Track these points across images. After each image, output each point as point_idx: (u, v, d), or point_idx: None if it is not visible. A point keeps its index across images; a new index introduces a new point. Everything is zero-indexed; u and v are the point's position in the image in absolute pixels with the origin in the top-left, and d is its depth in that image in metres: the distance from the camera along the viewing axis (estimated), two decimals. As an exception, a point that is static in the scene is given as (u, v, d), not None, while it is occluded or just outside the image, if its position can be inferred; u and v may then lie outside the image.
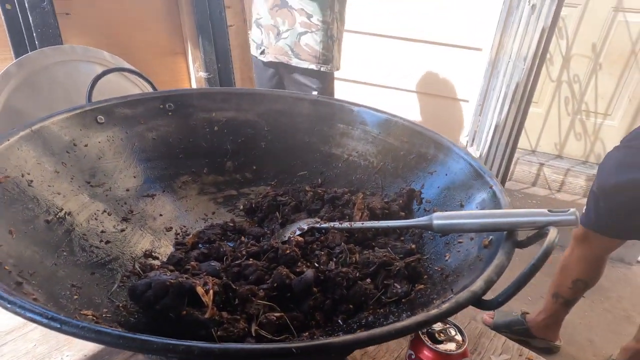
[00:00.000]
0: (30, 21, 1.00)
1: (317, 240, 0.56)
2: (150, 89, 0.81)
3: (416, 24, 2.25)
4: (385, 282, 0.49)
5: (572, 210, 0.41)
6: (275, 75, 1.60)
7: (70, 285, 0.46)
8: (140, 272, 0.55)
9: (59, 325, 0.29)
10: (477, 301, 0.35)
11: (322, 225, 0.58)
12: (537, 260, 0.35)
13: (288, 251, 0.51)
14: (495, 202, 0.50)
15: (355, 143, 0.80)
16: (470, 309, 0.35)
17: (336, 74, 1.68)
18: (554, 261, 1.32)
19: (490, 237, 0.45)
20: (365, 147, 0.78)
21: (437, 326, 0.51)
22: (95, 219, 0.58)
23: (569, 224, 0.41)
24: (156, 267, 0.57)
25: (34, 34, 1.02)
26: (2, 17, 0.96)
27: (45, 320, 0.29)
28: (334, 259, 0.52)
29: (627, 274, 1.92)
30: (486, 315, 1.58)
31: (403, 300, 0.46)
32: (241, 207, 0.73)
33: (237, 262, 0.52)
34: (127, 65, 1.11)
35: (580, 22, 2.15)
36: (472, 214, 0.45)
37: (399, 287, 0.47)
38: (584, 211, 1.28)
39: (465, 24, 2.18)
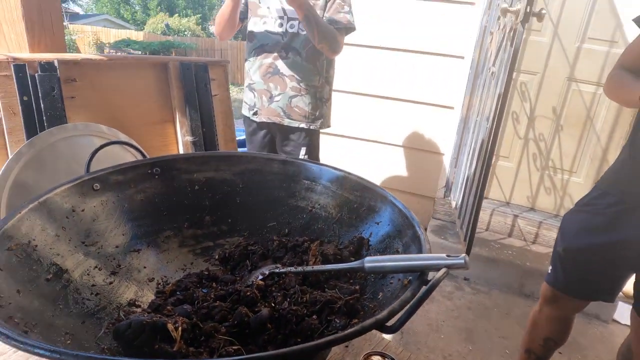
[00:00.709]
0: (42, 107, 1.16)
1: (276, 283, 0.66)
2: (140, 157, 0.92)
3: (396, 85, 2.48)
4: (328, 317, 0.58)
5: (462, 255, 0.52)
6: (267, 134, 1.77)
7: (64, 333, 0.54)
8: (124, 318, 0.64)
9: (58, 356, 0.39)
10: (380, 326, 0.44)
11: (280, 270, 0.68)
12: (423, 293, 0.45)
13: (249, 293, 0.61)
14: (419, 248, 0.60)
15: (318, 197, 0.91)
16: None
17: (327, 129, 1.85)
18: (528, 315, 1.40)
19: (409, 277, 0.55)
20: (326, 200, 0.89)
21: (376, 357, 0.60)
22: (88, 274, 0.67)
23: (459, 267, 0.51)
24: (138, 313, 0.65)
25: (44, 117, 1.17)
26: (20, 107, 1.12)
27: (47, 353, 0.39)
28: (288, 299, 0.61)
29: (603, 333, 1.96)
30: None
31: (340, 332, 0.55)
32: (216, 256, 0.82)
33: (205, 304, 0.61)
34: (121, 136, 1.27)
35: (540, 87, 2.37)
36: (393, 258, 0.56)
37: (338, 321, 0.56)
38: (549, 270, 1.33)
39: (439, 84, 2.41)
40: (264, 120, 1.71)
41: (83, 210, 0.72)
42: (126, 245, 0.76)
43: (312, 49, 1.64)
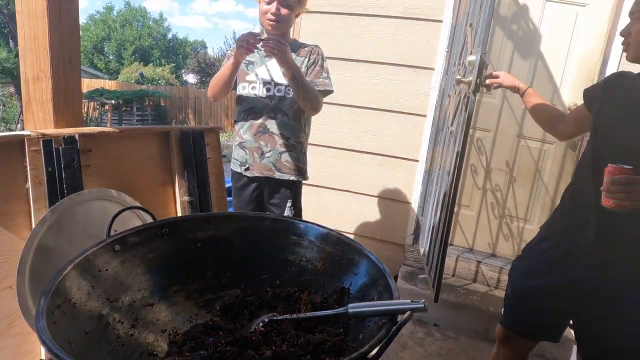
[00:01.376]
0: (63, 176, 1.29)
1: (274, 329, 0.79)
2: (151, 219, 1.05)
3: (366, 139, 2.71)
4: (320, 357, 0.72)
5: (422, 301, 0.67)
6: (257, 189, 1.91)
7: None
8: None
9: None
10: (364, 358, 0.59)
11: (278, 318, 0.81)
12: (393, 331, 0.61)
13: (254, 338, 0.74)
14: (390, 296, 0.76)
15: (305, 251, 1.05)
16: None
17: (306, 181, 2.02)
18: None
19: (383, 320, 0.70)
20: (312, 254, 1.04)
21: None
22: (114, 327, 0.77)
23: (420, 310, 0.66)
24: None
25: (64, 185, 1.30)
26: (45, 177, 1.25)
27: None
28: (286, 342, 0.75)
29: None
30: None
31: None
32: (218, 308, 0.93)
33: (219, 349, 0.73)
34: (129, 200, 1.42)
35: (494, 143, 2.65)
36: (370, 304, 0.71)
37: (328, 359, 0.70)
38: (502, 313, 1.47)
39: (405, 140, 2.66)
40: (256, 174, 1.86)
41: (107, 270, 0.83)
42: (141, 300, 0.87)
43: (297, 109, 1.84)
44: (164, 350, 0.80)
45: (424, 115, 2.62)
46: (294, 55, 1.78)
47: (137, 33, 27.20)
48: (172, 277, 0.95)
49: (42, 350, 1.27)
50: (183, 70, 26.21)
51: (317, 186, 2.83)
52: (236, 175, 1.94)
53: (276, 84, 1.82)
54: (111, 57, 27.01)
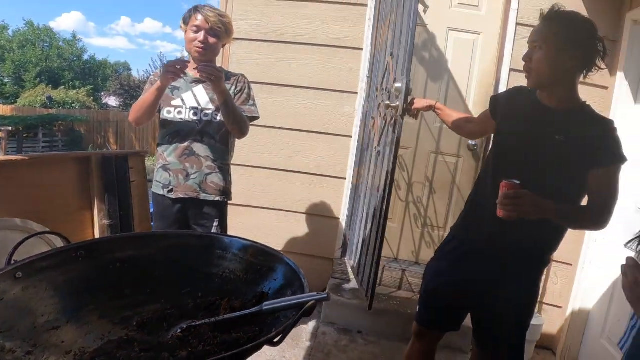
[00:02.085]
0: None
1: (192, 334, 0.82)
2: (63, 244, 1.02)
3: (296, 159, 2.82)
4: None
5: (326, 292, 0.76)
6: (181, 210, 1.89)
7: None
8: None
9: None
10: (270, 342, 0.64)
11: (196, 323, 0.84)
12: (296, 318, 0.67)
13: (170, 342, 0.76)
14: (302, 292, 0.82)
15: (228, 263, 1.08)
16: None
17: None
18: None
19: (294, 312, 0.76)
20: (235, 266, 1.07)
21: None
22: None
23: (324, 299, 0.74)
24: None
25: None
26: None
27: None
28: (203, 343, 0.78)
29: (465, 360, 2.29)
30: None
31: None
32: (135, 323, 0.90)
33: (132, 356, 0.74)
34: (35, 227, 1.35)
35: (414, 159, 2.86)
36: (281, 300, 0.77)
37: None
38: (417, 311, 1.63)
39: (333, 158, 2.79)
40: (180, 196, 1.85)
41: (2, 299, 0.78)
42: (45, 324, 0.82)
43: (225, 133, 1.87)
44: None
45: (350, 136, 2.78)
46: None
47: (42, 54, 25.00)
48: (86, 298, 0.92)
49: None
50: (103, 93, 24.57)
51: (250, 206, 2.86)
52: (158, 198, 1.91)
53: (203, 109, 1.86)
54: (6, 80, 24.31)
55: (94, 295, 0.94)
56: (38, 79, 23.67)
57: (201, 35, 1.78)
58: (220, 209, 1.92)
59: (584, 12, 2.43)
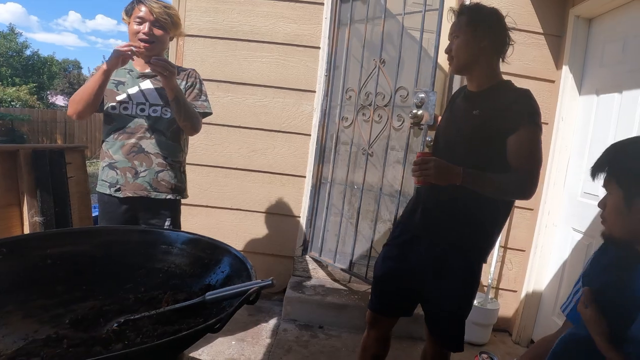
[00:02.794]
0: None
1: (130, 327, 0.77)
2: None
3: (255, 159, 2.79)
4: (175, 344, 0.72)
5: (271, 278, 0.73)
6: (129, 209, 1.80)
7: None
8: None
9: None
10: (210, 329, 0.61)
11: (135, 317, 0.80)
12: (237, 305, 0.65)
13: (104, 336, 0.71)
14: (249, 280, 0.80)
15: (174, 258, 1.05)
16: None
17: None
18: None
19: (238, 300, 0.74)
20: (181, 260, 1.04)
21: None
22: None
23: (268, 286, 0.72)
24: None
25: None
26: None
27: None
28: (141, 335, 0.74)
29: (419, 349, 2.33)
30: None
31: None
32: (67, 321, 0.84)
33: (58, 352, 0.69)
34: None
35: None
36: (225, 289, 0.75)
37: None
38: (369, 299, 1.65)
39: (292, 157, 2.77)
40: (129, 195, 1.76)
41: None
42: None
43: (176, 129, 1.80)
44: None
45: (309, 135, 2.78)
46: None
47: (-29, 48, 22.45)
48: (6, 299, 0.85)
49: None
50: (49, 92, 23.08)
51: (208, 206, 2.80)
52: (104, 198, 1.80)
53: (151, 105, 1.78)
54: None
55: (17, 295, 0.87)
56: (-34, 75, 21.51)
57: (145, 27, 1.70)
58: (172, 208, 1.84)
59: (531, 9, 2.57)
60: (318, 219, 2.83)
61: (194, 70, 1.90)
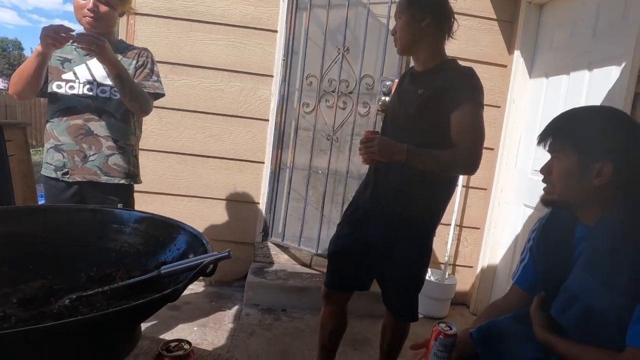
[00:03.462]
0: None
1: (82, 303, 0.75)
2: None
3: (212, 145, 2.74)
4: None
5: (227, 250, 0.73)
6: (76, 194, 1.72)
7: None
8: None
9: None
10: (167, 299, 0.61)
11: (88, 293, 0.77)
12: (192, 276, 0.64)
13: (55, 311, 0.69)
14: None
15: (127, 237, 1.02)
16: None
17: (139, 186, 1.91)
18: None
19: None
20: (134, 239, 1.01)
21: (174, 343, 0.75)
22: None
23: (225, 258, 0.72)
24: None
25: None
26: None
27: None
28: (95, 311, 0.71)
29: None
30: None
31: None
32: (15, 300, 0.79)
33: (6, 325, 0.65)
34: None
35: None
36: (181, 263, 0.74)
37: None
38: (325, 276, 1.68)
39: (251, 143, 2.74)
40: (78, 179, 1.69)
41: None
42: None
43: (126, 111, 1.73)
44: None
45: (267, 120, 2.75)
46: (120, 57, 1.70)
47: None
48: None
49: None
50: None
51: (163, 194, 2.73)
52: (51, 182, 1.71)
53: (99, 84, 1.70)
54: None
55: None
56: None
57: (90, 3, 1.61)
58: (125, 193, 1.78)
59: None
60: (278, 204, 2.84)
61: (146, 49, 1.82)
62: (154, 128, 2.67)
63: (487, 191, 2.82)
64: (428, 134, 1.43)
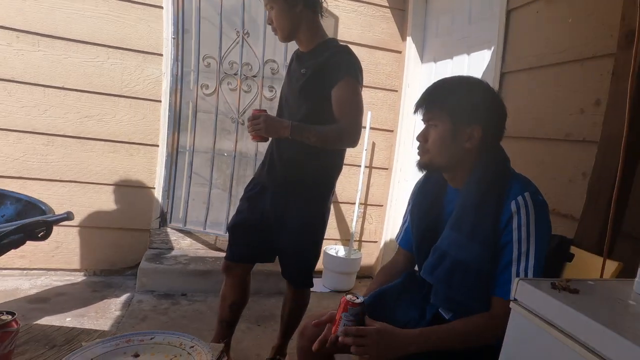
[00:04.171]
0: None
1: None
2: None
3: (90, 126, 2.49)
4: None
5: (67, 211, 0.64)
6: None
7: None
8: None
9: None
10: None
11: None
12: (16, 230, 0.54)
13: None
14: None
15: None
16: None
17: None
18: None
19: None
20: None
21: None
22: None
23: (65, 219, 0.63)
24: None
25: None
26: None
27: None
28: None
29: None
30: None
31: None
32: None
33: None
34: None
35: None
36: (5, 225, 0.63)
37: None
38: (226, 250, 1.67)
39: (141, 125, 2.56)
40: None
41: None
42: None
43: None
44: None
45: (159, 101, 2.57)
46: None
47: None
48: None
49: None
50: None
51: (23, 178, 2.39)
52: None
53: None
54: None
55: None
56: None
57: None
58: None
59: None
60: (177, 189, 2.69)
61: None
62: (7, 105, 2.32)
63: (388, 171, 2.96)
64: (311, 110, 1.49)
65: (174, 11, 2.53)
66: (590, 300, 0.70)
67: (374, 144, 2.93)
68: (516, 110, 1.55)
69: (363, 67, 1.55)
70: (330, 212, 1.72)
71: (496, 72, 1.95)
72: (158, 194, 2.63)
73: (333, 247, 2.86)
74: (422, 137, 1.09)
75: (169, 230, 2.71)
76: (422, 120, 1.11)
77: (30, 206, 0.79)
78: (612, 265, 1.00)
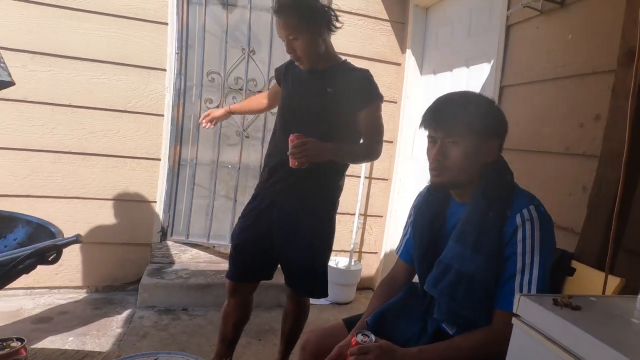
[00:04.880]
0: None
1: None
2: None
3: (94, 142, 2.52)
4: None
5: (75, 234, 0.65)
6: None
7: None
8: None
9: None
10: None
11: None
12: (29, 255, 0.55)
13: None
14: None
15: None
16: None
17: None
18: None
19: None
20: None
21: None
22: None
23: (73, 242, 0.64)
24: None
25: None
26: None
27: None
28: None
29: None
30: None
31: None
32: None
33: None
34: None
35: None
36: (15, 251, 0.64)
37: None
38: (227, 270, 1.66)
39: (143, 139, 2.57)
40: None
41: None
42: None
43: None
44: None
45: (162, 115, 2.59)
46: None
47: None
48: None
49: None
50: None
51: (30, 196, 2.41)
52: None
53: None
54: None
55: None
56: None
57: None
58: None
59: (378, -1, 2.77)
60: (179, 202, 2.70)
61: None
62: (12, 123, 2.34)
63: (387, 182, 2.97)
64: (334, 128, 1.52)
65: (178, 27, 2.57)
66: (592, 317, 0.70)
67: (373, 154, 2.95)
68: (515, 123, 1.57)
69: (362, 78, 1.60)
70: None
71: (496, 85, 1.97)
72: (159, 207, 2.65)
73: (333, 259, 2.86)
74: (442, 155, 1.05)
75: (169, 244, 2.72)
76: (433, 136, 1.06)
77: (40, 229, 0.80)
78: (614, 281, 0.99)
